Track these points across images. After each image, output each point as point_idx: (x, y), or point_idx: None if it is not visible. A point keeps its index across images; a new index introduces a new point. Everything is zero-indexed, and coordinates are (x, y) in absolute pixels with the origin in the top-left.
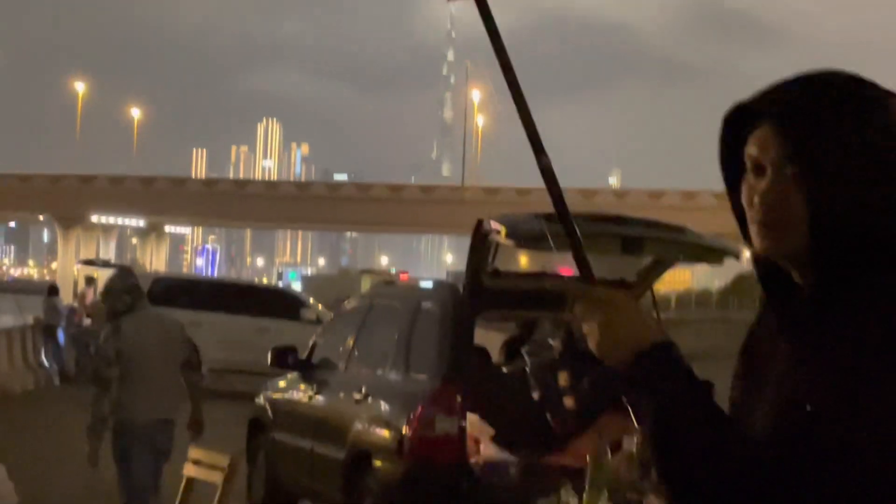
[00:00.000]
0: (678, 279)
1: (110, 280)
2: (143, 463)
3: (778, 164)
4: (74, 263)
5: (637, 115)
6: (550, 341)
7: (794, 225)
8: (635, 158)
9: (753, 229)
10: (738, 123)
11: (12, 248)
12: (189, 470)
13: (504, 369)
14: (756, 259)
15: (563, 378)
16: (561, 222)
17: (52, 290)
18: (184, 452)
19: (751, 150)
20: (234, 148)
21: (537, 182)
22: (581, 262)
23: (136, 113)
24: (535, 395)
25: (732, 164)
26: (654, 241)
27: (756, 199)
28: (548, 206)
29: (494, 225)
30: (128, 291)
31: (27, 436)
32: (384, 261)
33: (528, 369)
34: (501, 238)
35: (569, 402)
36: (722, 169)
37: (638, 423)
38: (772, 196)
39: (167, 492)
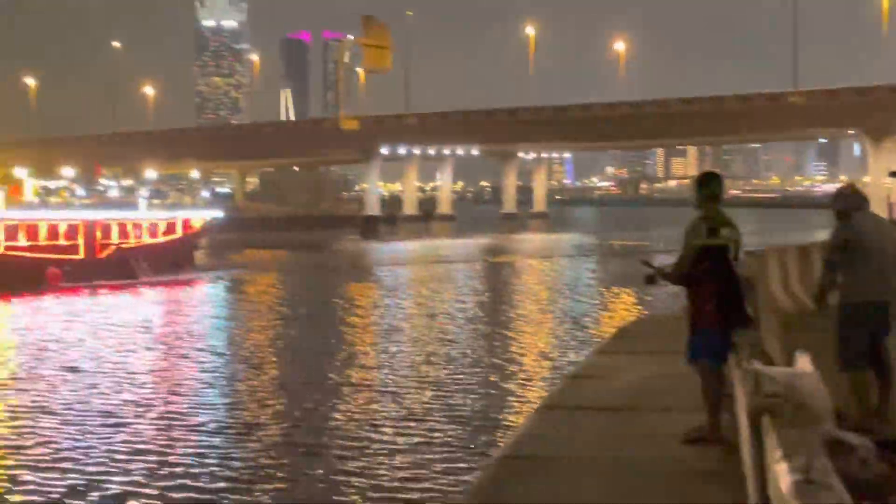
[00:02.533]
0: None
1: (841, 188)
2: (855, 336)
3: None
4: (886, 175)
5: None
6: None
7: None
8: None
9: None
10: None
11: (824, 164)
12: None
13: None
14: None
15: None
16: None
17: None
18: None
19: None
20: None
21: None
22: None
23: None
24: None
25: None
26: None
27: None
28: None
29: None
30: (855, 194)
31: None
32: None
33: None
34: None
35: None
36: None
37: None
38: None
39: None
